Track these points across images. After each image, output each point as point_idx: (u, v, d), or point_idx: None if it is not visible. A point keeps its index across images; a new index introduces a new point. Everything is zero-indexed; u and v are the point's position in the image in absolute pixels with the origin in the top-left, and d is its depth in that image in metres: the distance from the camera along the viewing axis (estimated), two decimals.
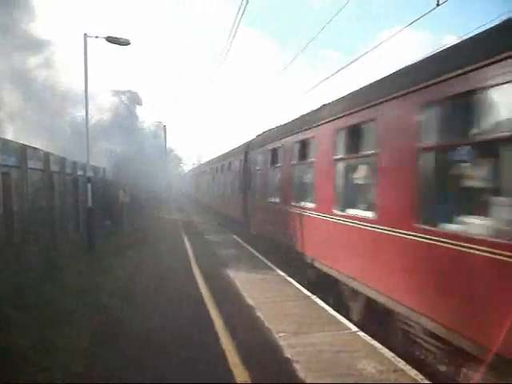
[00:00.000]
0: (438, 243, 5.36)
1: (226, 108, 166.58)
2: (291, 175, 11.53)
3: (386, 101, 6.71)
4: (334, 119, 8.72)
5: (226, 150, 24.44)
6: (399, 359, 5.98)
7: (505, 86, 4.47)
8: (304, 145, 10.62)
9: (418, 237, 5.77)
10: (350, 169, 8.21)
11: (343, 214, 8.25)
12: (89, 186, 15.47)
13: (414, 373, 5.54)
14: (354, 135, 7.83)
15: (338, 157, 8.49)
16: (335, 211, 8.56)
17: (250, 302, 8.79)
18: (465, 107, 5.06)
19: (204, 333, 7.10)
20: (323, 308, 8.44)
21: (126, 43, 15.85)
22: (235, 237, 19.11)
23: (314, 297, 9.20)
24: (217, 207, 27.23)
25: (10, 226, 9.58)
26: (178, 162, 78.67)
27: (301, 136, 10.77)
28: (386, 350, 6.29)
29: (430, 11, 12.42)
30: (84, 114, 16.06)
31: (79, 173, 16.45)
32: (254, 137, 17.68)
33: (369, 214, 7.22)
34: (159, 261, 14.00)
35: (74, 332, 7.04)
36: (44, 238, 11.31)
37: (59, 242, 12.66)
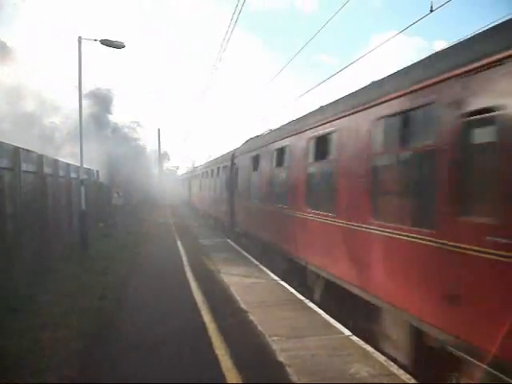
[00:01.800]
0: (378, 232, 6.52)
1: (220, 112, 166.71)
2: (269, 179, 12.82)
3: (342, 117, 7.93)
4: (305, 130, 9.88)
5: (216, 156, 26.31)
6: (391, 363, 6.01)
7: (420, 109, 5.70)
8: (280, 152, 11.83)
9: (371, 229, 6.76)
10: (317, 173, 9.44)
11: (310, 210, 9.47)
12: (82, 188, 15.44)
13: (406, 377, 5.57)
14: (321, 144, 9.04)
15: (308, 162, 9.71)
16: (304, 208, 9.80)
17: (243, 305, 8.79)
18: (395, 124, 6.29)
19: (197, 337, 7.10)
20: (316, 312, 8.45)
21: (120, 46, 15.85)
22: (228, 240, 19.14)
23: (307, 301, 9.22)
24: (207, 208, 28.84)
25: (3, 228, 9.54)
26: (174, 167, 78.88)
27: (277, 145, 12.06)
28: (379, 354, 6.32)
29: (423, 17, 12.48)
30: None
31: (72, 175, 16.40)
32: (239, 145, 18.96)
33: (329, 211, 8.37)
34: (152, 262, 13.99)
35: (66, 335, 7.02)
36: (37, 240, 11.26)
37: (52, 245, 12.62)
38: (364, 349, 6.53)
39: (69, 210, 15.67)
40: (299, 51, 15.11)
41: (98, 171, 25.03)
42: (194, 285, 10.71)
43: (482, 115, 4.59)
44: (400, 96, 6.10)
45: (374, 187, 6.79)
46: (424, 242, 5.41)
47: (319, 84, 15.28)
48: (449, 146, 5.05)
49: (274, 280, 11.29)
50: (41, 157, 12.43)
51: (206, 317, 8.09)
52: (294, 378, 5.49)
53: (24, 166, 10.84)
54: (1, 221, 9.33)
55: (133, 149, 39.08)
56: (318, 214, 8.94)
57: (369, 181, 6.89)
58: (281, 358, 6.16)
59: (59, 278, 10.67)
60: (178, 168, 79.63)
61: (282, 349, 6.49)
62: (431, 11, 13.03)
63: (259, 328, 7.42)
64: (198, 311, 8.50)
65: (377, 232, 6.55)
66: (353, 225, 7.35)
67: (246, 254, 15.34)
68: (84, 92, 30.81)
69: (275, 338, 6.92)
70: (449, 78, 5.09)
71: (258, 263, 13.58)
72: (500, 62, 4.36)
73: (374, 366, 5.85)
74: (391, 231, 6.16)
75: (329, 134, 8.58)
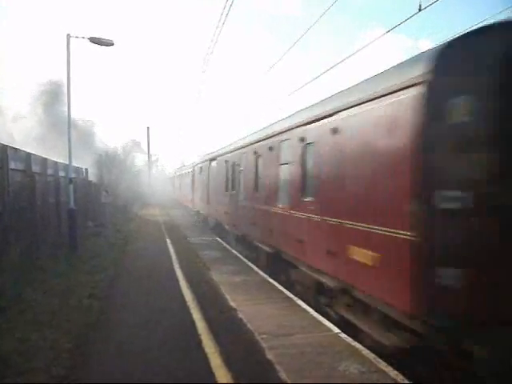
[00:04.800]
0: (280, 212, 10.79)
1: (210, 112, 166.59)
2: (231, 179, 17.03)
3: (262, 140, 12.62)
4: (251, 144, 13.95)
5: (199, 159, 29.88)
6: (380, 360, 6.06)
7: (284, 143, 10.66)
8: (238, 159, 15.69)
9: (279, 211, 10.86)
10: (254, 173, 13.38)
11: (249, 202, 13.95)
12: (71, 187, 15.36)
13: (394, 373, 5.62)
14: (259, 156, 12.91)
15: (254, 167, 13.45)
16: (248, 201, 14.17)
17: (232, 304, 8.80)
18: (278, 150, 11.13)
19: (186, 335, 7.10)
20: (305, 310, 8.49)
21: (109, 44, 15.77)
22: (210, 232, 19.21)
23: (295, 299, 9.25)
24: (189, 204, 32.88)
25: None
26: (161, 166, 78.60)
27: (236, 153, 16.12)
28: (368, 352, 6.36)
29: (411, 16, 12.56)
30: None
31: (61, 173, 16.30)
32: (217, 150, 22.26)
33: (261, 201, 12.51)
34: (142, 261, 13.97)
35: (55, 334, 6.99)
36: (25, 239, 11.18)
37: (41, 244, 12.53)
38: (353, 346, 6.57)
39: (57, 209, 15.57)
40: (288, 50, 15.13)
41: (86, 169, 24.90)
42: (183, 283, 10.70)
43: (310, 143, 8.92)
44: (280, 133, 10.90)
45: (277, 185, 11.11)
46: (286, 213, 10.22)
47: (309, 82, 15.49)
48: (298, 160, 9.53)
49: (263, 278, 11.31)
50: (29, 155, 12.35)
51: (196, 315, 8.09)
52: (283, 376, 5.52)
53: (12, 164, 10.76)
54: None
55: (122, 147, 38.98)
56: (246, 202, 14.28)
57: (277, 180, 11.11)
58: (270, 355, 6.18)
59: (47, 276, 10.60)
60: (163, 167, 79.45)
61: (270, 346, 6.51)
62: (420, 10, 13.08)
63: (248, 326, 7.44)
64: (187, 309, 8.51)
65: (279, 212, 10.84)
66: (268, 208, 11.71)
67: (236, 254, 15.36)
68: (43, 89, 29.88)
69: (264, 336, 6.94)
70: (298, 127, 9.65)
71: (246, 260, 13.64)
72: (312, 122, 8.83)
73: (362, 363, 5.89)
74: (281, 210, 10.64)
75: (255, 151, 13.20)
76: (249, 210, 13.84)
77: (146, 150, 56.45)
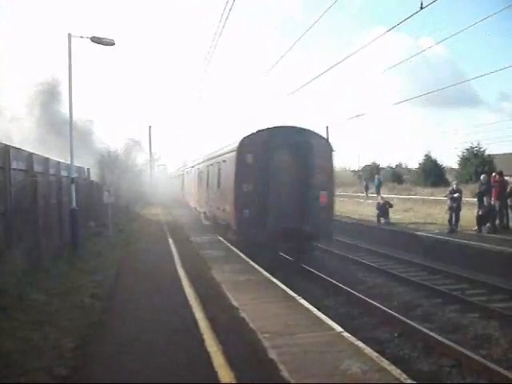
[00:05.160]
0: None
1: (211, 111, 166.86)
2: (191, 184, 30.33)
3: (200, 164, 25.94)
4: (197, 165, 27.72)
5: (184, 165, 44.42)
6: (383, 359, 6.03)
7: (200, 165, 26.31)
8: (193, 172, 28.78)
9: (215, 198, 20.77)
10: (199, 184, 25.62)
11: (196, 192, 27.06)
12: (73, 186, 15.37)
13: (397, 372, 5.59)
14: (201, 172, 24.82)
15: (206, 175, 23.30)
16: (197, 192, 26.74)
17: (234, 303, 8.78)
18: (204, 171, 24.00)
19: (189, 334, 7.09)
20: (308, 309, 8.46)
21: (110, 43, 15.77)
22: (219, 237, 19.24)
23: (298, 297, 9.22)
24: (177, 198, 45.09)
25: None
26: (162, 165, 78.64)
27: (193, 169, 29.92)
28: (370, 350, 6.34)
29: (413, 14, 12.61)
30: None
31: (63, 173, 16.31)
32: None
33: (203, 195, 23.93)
34: (144, 260, 13.98)
35: (57, 334, 7.00)
36: (27, 239, 11.18)
37: (42, 244, 12.54)
38: (356, 345, 6.54)
39: (59, 209, 15.57)
40: (290, 48, 15.15)
41: (89, 169, 24.93)
42: (185, 282, 10.69)
43: (220, 167, 18.95)
44: (208, 160, 22.66)
45: (209, 186, 21.96)
46: (217, 199, 19.61)
47: (309, 82, 15.59)
48: (215, 173, 19.95)
49: (266, 277, 11.29)
50: (31, 155, 12.36)
51: (198, 314, 8.08)
52: (286, 375, 5.50)
53: (14, 164, 10.76)
54: None
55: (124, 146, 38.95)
56: (196, 192, 26.97)
57: (208, 183, 22.19)
58: (272, 354, 6.15)
59: (49, 276, 10.61)
60: (165, 167, 79.61)
61: (273, 345, 6.48)
62: (421, 8, 13.05)
63: (251, 325, 7.42)
64: (189, 308, 8.49)
65: (216, 198, 19.78)
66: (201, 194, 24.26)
67: (238, 253, 15.35)
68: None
69: (267, 335, 6.90)
70: (207, 160, 23.04)
71: (248, 260, 13.62)
72: (213, 158, 21.26)
73: (365, 362, 5.85)
74: (214, 198, 20.29)
75: (199, 170, 25.78)
76: (205, 199, 23.52)
77: (146, 149, 56.33)
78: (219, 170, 18.89)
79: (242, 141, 15.56)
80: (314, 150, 15.45)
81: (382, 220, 22.13)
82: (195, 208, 29.02)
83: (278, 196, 15.15)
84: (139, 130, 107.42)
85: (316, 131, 17.03)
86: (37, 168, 12.72)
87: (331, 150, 16.42)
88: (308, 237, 15.47)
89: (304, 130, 16.16)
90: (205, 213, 23.97)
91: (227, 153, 17.28)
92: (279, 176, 15.24)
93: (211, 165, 21.25)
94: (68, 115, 16.49)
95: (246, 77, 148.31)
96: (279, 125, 16.26)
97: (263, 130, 15.72)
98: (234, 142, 16.63)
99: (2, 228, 9.90)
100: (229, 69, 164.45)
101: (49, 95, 28.96)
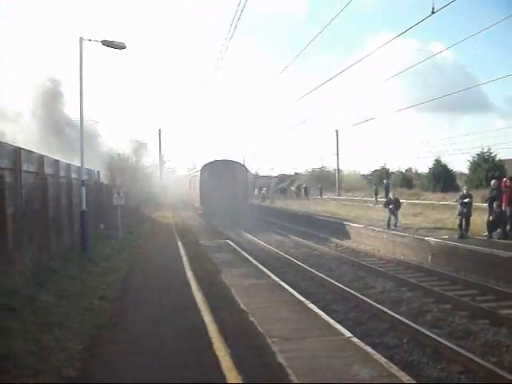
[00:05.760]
0: None
1: (221, 115, 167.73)
2: (186, 187, 47.53)
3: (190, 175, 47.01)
4: (188, 175, 49.94)
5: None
6: (392, 364, 6.00)
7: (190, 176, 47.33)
8: (189, 178, 46.37)
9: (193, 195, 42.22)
10: (188, 185, 45.40)
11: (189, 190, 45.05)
12: (83, 189, 15.43)
13: (406, 378, 5.55)
14: (189, 180, 44.80)
15: (188, 183, 45.77)
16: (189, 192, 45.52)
17: (243, 307, 8.77)
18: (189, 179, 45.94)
19: (197, 338, 7.09)
20: (317, 313, 8.43)
21: (121, 47, 15.83)
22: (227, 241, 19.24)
23: (307, 302, 9.20)
24: (184, 199, 52.81)
25: (3, 229, 9.53)
26: (171, 168, 79.46)
27: (188, 177, 49.01)
28: (379, 356, 6.30)
29: (424, 19, 12.66)
30: None
31: (73, 175, 16.40)
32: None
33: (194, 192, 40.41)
34: (153, 263, 14.04)
35: (67, 335, 7.02)
36: (37, 241, 11.26)
37: (53, 245, 12.62)
38: (364, 350, 6.51)
39: (69, 211, 15.67)
40: (300, 52, 15.18)
41: (98, 172, 25.04)
42: (194, 285, 10.71)
43: (190, 179, 43.60)
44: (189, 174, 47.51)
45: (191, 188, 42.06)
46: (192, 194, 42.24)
47: (318, 86, 15.43)
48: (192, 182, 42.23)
49: (275, 281, 11.28)
50: (42, 157, 12.44)
51: (207, 317, 8.08)
52: (294, 379, 5.48)
53: (25, 166, 10.84)
54: (1, 221, 9.34)
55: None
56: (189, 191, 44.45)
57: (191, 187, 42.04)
58: (281, 359, 6.13)
59: (59, 278, 10.66)
60: (174, 169, 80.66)
61: (281, 350, 6.46)
62: (433, 12, 13.02)
63: (259, 329, 7.40)
64: (198, 311, 8.50)
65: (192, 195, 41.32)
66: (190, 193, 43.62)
67: (246, 256, 15.35)
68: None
69: (275, 339, 6.89)
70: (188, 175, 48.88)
71: (257, 263, 13.63)
72: (190, 175, 48.40)
73: (374, 368, 5.82)
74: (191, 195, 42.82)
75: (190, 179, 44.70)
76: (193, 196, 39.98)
77: (152, 152, 56.88)
78: (194, 179, 38.67)
79: (202, 166, 36.59)
80: (236, 170, 35.47)
81: (393, 220, 21.74)
82: (191, 203, 43.85)
83: (219, 191, 32.25)
84: (146, 133, 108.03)
85: (238, 161, 42.43)
86: (47, 170, 12.80)
87: (246, 170, 39.08)
88: (235, 213, 32.44)
89: (233, 161, 38.22)
90: (192, 202, 41.87)
91: (197, 171, 38.74)
92: (220, 182, 33.08)
93: (192, 176, 42.69)
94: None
95: (255, 82, 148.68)
96: (220, 159, 37.55)
97: (214, 161, 36.47)
98: (200, 166, 37.85)
99: (13, 229, 9.97)
100: (238, 74, 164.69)
101: (51, 96, 29.04)
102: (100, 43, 15.47)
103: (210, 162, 35.92)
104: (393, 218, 21.81)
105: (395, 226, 21.60)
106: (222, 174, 33.47)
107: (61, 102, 29.83)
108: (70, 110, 29.94)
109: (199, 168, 37.28)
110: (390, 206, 21.89)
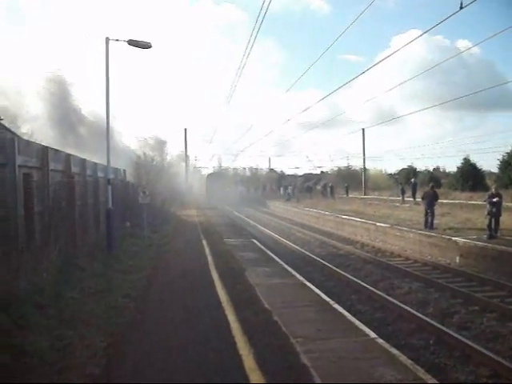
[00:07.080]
0: None
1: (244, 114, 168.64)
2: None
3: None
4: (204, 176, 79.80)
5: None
6: (418, 367, 5.87)
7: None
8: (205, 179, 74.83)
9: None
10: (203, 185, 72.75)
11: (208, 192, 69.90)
12: (109, 187, 15.57)
13: (433, 381, 5.43)
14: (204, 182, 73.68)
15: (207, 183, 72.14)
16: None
17: (267, 306, 8.72)
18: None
19: (221, 337, 7.07)
20: (342, 314, 8.33)
21: (147, 46, 15.91)
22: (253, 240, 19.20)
23: (332, 302, 9.09)
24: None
25: (31, 226, 9.68)
26: (198, 168, 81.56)
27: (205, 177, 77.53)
28: (405, 358, 6.18)
29: (452, 14, 12.40)
30: None
31: (100, 174, 16.58)
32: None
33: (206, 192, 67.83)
34: (177, 261, 14.09)
35: (91, 332, 7.08)
36: (64, 238, 11.40)
37: (79, 243, 12.76)
38: (390, 352, 6.40)
39: (96, 209, 15.85)
40: (324, 52, 15.13)
41: (125, 170, 25.28)
42: (218, 284, 10.70)
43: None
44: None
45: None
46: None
47: (342, 86, 15.31)
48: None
49: (299, 280, 11.20)
50: (68, 156, 12.61)
51: (230, 316, 8.06)
52: (318, 381, 5.41)
53: (52, 165, 10.99)
54: (29, 219, 9.47)
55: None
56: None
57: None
58: (305, 359, 6.07)
59: (85, 276, 10.77)
60: (199, 169, 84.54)
61: (306, 350, 6.39)
62: (461, 8, 12.72)
63: (283, 329, 7.34)
64: (222, 310, 8.49)
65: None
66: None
67: (271, 255, 15.29)
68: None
69: (299, 340, 6.82)
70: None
71: (282, 262, 13.56)
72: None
73: (399, 370, 5.70)
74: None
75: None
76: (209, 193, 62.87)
77: (171, 150, 62.52)
78: (205, 181, 66.87)
79: (208, 174, 72.85)
80: (227, 177, 73.35)
81: (430, 218, 20.98)
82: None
83: (218, 191, 59.27)
84: (167, 130, 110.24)
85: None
86: (74, 169, 12.97)
87: (235, 176, 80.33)
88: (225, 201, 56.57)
89: (226, 170, 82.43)
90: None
91: (205, 177, 72.82)
92: (221, 184, 61.78)
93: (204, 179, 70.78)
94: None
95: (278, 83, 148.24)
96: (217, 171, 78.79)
97: (216, 171, 78.19)
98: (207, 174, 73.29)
99: (40, 227, 10.10)
100: (260, 80, 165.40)
101: (63, 92, 29.47)
102: (126, 43, 15.58)
103: (215, 171, 74.43)
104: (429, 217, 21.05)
105: (432, 225, 20.86)
106: (218, 179, 64.87)
107: (71, 97, 30.30)
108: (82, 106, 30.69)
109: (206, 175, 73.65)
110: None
